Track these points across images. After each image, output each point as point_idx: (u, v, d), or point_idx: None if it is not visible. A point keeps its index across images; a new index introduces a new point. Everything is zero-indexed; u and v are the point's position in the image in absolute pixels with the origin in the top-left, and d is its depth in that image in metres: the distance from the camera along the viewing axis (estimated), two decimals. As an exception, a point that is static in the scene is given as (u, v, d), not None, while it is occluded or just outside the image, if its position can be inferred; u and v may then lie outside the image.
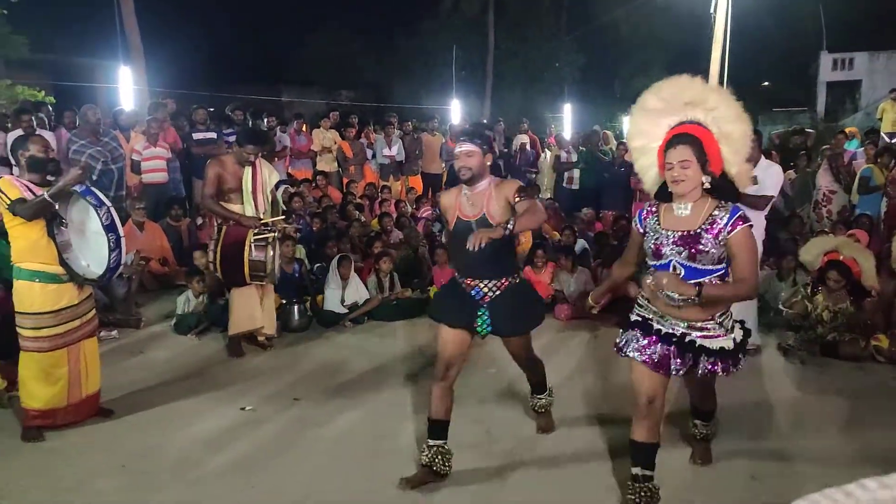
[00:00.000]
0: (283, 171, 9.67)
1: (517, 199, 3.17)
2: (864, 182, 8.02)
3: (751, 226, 2.70)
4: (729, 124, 2.76)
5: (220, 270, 4.97)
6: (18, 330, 3.67)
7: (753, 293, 2.87)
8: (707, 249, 2.67)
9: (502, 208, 3.22)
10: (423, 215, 8.52)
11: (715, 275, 2.71)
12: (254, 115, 9.31)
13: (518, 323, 3.39)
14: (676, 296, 2.63)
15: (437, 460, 3.28)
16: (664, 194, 2.84)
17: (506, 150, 11.75)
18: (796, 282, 5.83)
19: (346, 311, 6.02)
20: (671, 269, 2.72)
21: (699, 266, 2.69)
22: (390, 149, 10.28)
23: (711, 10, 11.88)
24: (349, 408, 4.27)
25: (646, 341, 2.80)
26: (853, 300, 5.04)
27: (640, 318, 2.88)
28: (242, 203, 5.05)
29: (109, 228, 3.58)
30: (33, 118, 7.36)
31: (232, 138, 8.34)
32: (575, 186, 10.07)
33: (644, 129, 2.91)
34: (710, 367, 2.76)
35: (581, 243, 7.21)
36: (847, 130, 12.89)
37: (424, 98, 21.61)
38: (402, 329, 5.99)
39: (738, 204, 2.80)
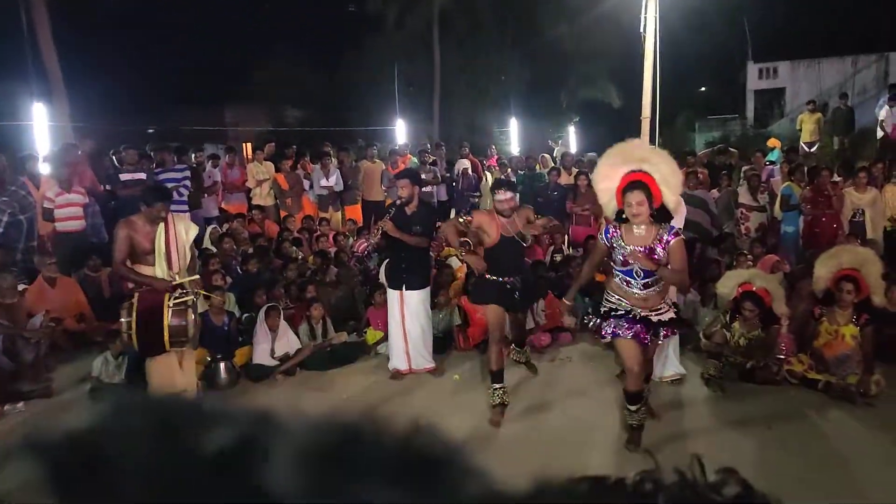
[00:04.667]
0: (216, 206, 9.33)
1: (536, 219, 5.05)
2: (785, 200, 8.23)
3: (682, 238, 3.95)
4: (668, 174, 3.91)
5: (137, 341, 4.59)
6: None
7: (687, 282, 4.30)
8: (660, 258, 3.84)
9: (525, 226, 4.86)
10: (358, 250, 8.25)
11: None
12: (178, 151, 8.88)
13: (525, 302, 5.25)
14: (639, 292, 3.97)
15: (504, 398, 4.74)
16: (621, 219, 3.97)
17: (448, 174, 11.61)
18: (717, 306, 5.89)
19: (277, 363, 5.73)
20: (633, 273, 3.93)
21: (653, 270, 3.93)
22: (328, 179, 10.02)
23: (641, 30, 12.03)
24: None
25: (627, 325, 3.93)
26: (764, 327, 5.21)
27: (615, 310, 4.00)
28: (155, 264, 4.70)
29: None
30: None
31: (164, 175, 7.99)
32: (515, 210, 9.97)
33: (608, 175, 4.03)
34: (664, 333, 4.08)
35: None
36: (769, 142, 13.28)
37: (373, 117, 21.36)
38: (336, 378, 5.73)
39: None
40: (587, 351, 6.15)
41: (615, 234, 3.99)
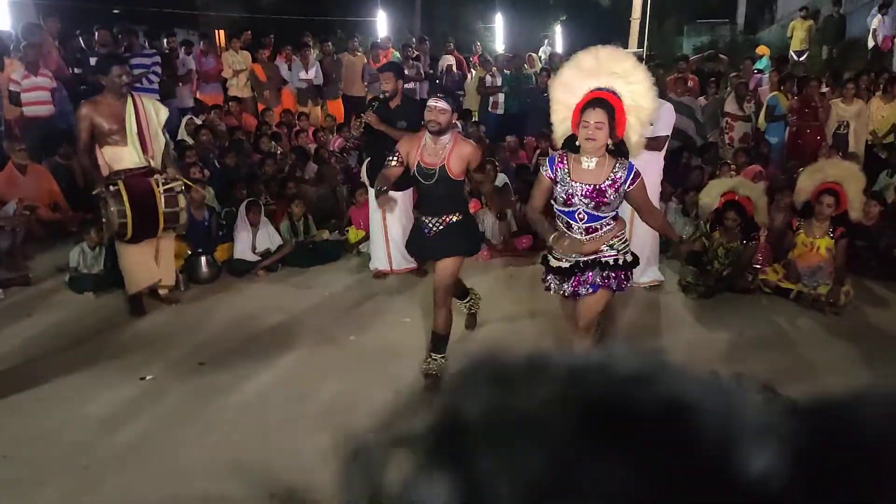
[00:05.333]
0: (191, 97, 8.99)
1: (475, 169, 3.89)
2: (770, 110, 8.19)
3: (642, 179, 3.29)
4: (642, 99, 3.26)
5: (132, 227, 4.48)
6: None
7: (661, 223, 3.71)
8: (609, 201, 3.23)
9: (461, 164, 3.78)
10: (339, 147, 8.07)
11: (609, 217, 3.30)
12: (148, 35, 8.44)
13: (447, 248, 3.86)
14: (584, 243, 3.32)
15: (473, 306, 4.45)
16: (571, 146, 3.27)
17: (431, 70, 11.24)
18: (699, 215, 5.92)
19: (258, 258, 5.70)
20: (576, 215, 3.27)
21: (599, 213, 3.27)
22: (307, 72, 9.66)
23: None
24: (260, 370, 4.09)
25: (566, 283, 3.41)
26: (744, 238, 5.26)
27: (556, 266, 3.43)
28: (128, 145, 4.55)
29: None
30: None
31: (132, 60, 7.60)
32: (500, 111, 9.78)
33: (570, 84, 3.32)
34: (601, 280, 3.34)
35: (502, 177, 6.99)
36: (758, 50, 12.99)
37: (353, 8, 20.37)
38: (318, 275, 5.74)
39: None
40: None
41: (561, 166, 3.28)
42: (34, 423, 3.50)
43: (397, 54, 10.81)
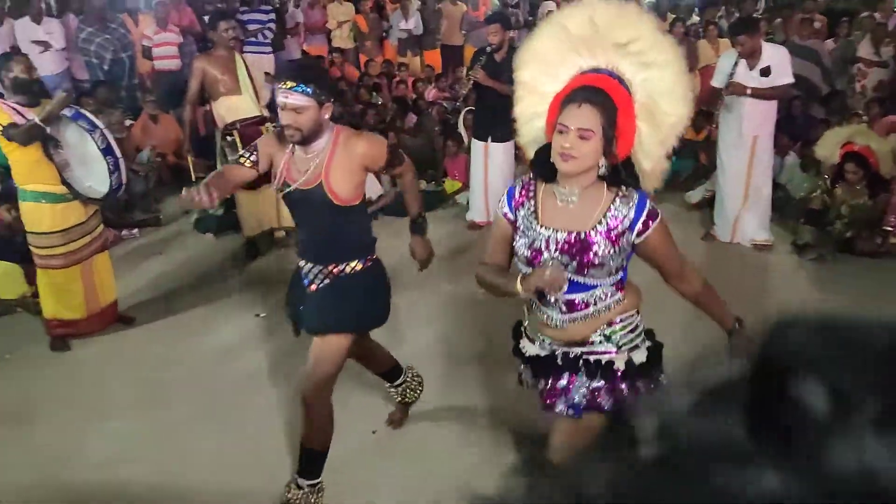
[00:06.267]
0: (298, 49, 9.35)
1: (386, 169, 2.62)
2: None
3: (664, 222, 2.02)
4: (664, 98, 1.98)
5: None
6: (31, 248, 3.79)
7: (699, 280, 2.15)
8: (602, 261, 1.97)
9: (350, 178, 2.44)
10: (433, 99, 8.18)
11: (606, 285, 2.04)
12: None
13: (327, 317, 2.56)
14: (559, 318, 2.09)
15: (407, 393, 3.23)
16: (544, 166, 2.00)
17: (531, 17, 11.05)
18: (819, 172, 5.59)
19: (360, 207, 6.00)
20: None
21: (587, 280, 2.02)
22: (407, 21, 9.77)
23: None
24: (360, 312, 4.39)
25: (540, 381, 2.23)
26: (871, 194, 4.86)
27: (532, 354, 2.24)
28: (243, 93, 4.89)
29: (107, 152, 3.58)
30: (42, 3, 7.13)
31: (249, 15, 8.00)
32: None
33: (548, 58, 2.07)
34: (587, 395, 2.06)
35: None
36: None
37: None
38: (416, 224, 5.99)
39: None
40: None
41: (525, 199, 2.07)
42: (167, 350, 3.99)
43: (496, 1, 10.69)
